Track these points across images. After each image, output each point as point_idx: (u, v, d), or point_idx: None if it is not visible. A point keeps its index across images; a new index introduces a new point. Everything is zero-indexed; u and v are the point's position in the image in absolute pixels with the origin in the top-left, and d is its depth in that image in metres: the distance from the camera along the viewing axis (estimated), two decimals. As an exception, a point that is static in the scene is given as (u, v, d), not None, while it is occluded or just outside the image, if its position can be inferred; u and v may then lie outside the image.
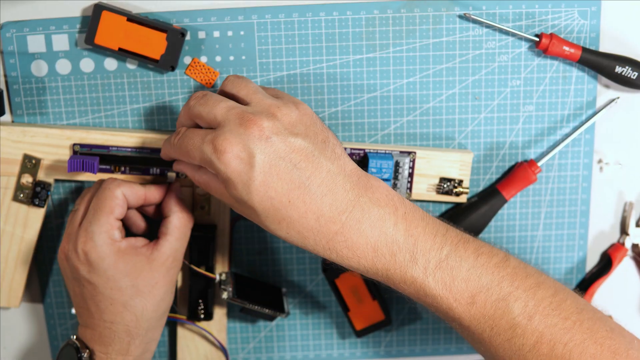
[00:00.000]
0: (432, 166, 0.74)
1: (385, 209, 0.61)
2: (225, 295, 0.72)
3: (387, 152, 0.73)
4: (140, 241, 0.69)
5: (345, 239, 0.61)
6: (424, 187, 0.74)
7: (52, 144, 0.72)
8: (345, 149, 0.71)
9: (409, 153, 0.73)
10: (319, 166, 0.61)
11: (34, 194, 0.73)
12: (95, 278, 0.67)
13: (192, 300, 0.75)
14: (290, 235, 0.61)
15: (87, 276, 0.67)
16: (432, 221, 0.63)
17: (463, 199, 0.74)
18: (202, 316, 0.75)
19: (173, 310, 0.78)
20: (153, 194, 0.71)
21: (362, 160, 0.73)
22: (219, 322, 0.77)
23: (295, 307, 0.80)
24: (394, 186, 0.73)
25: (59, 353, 0.70)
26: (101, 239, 0.67)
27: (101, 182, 0.70)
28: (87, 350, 0.68)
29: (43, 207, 0.73)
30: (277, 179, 0.60)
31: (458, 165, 0.74)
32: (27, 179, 0.73)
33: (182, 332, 0.78)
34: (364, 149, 0.73)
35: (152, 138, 0.72)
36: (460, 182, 0.74)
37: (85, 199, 0.70)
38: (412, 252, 0.61)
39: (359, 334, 0.78)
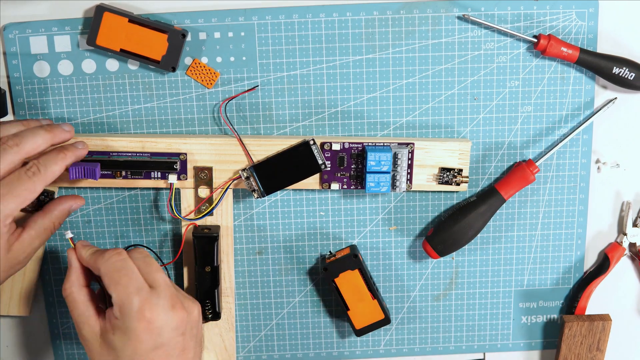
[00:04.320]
0: (431, 156, 0.74)
1: None
2: (255, 195, 0.72)
3: (385, 144, 0.73)
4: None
5: None
6: (423, 177, 0.74)
7: None
8: (344, 143, 0.73)
9: (407, 144, 0.73)
10: None
11: (38, 203, 0.73)
12: None
13: (199, 301, 0.75)
14: None
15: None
16: None
17: (464, 187, 0.75)
18: (209, 316, 0.75)
19: None
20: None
21: (361, 154, 0.73)
22: (227, 321, 0.77)
23: (296, 307, 0.80)
24: (394, 178, 0.73)
25: None
26: None
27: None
28: None
29: None
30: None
31: (457, 154, 0.74)
32: None
33: None
34: (362, 143, 0.73)
35: (152, 142, 0.72)
36: (460, 171, 0.74)
37: None
38: None
39: (359, 333, 0.78)
